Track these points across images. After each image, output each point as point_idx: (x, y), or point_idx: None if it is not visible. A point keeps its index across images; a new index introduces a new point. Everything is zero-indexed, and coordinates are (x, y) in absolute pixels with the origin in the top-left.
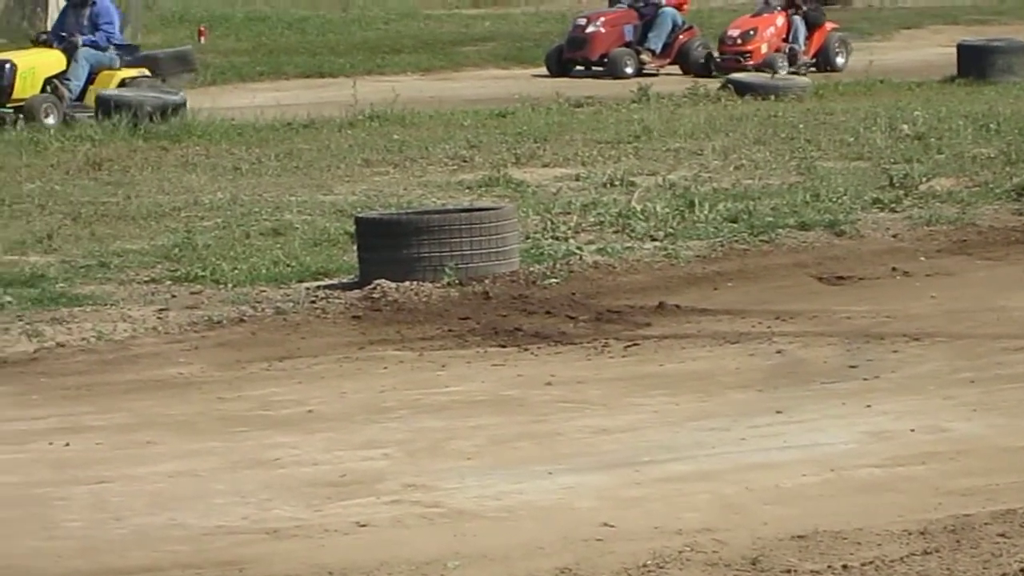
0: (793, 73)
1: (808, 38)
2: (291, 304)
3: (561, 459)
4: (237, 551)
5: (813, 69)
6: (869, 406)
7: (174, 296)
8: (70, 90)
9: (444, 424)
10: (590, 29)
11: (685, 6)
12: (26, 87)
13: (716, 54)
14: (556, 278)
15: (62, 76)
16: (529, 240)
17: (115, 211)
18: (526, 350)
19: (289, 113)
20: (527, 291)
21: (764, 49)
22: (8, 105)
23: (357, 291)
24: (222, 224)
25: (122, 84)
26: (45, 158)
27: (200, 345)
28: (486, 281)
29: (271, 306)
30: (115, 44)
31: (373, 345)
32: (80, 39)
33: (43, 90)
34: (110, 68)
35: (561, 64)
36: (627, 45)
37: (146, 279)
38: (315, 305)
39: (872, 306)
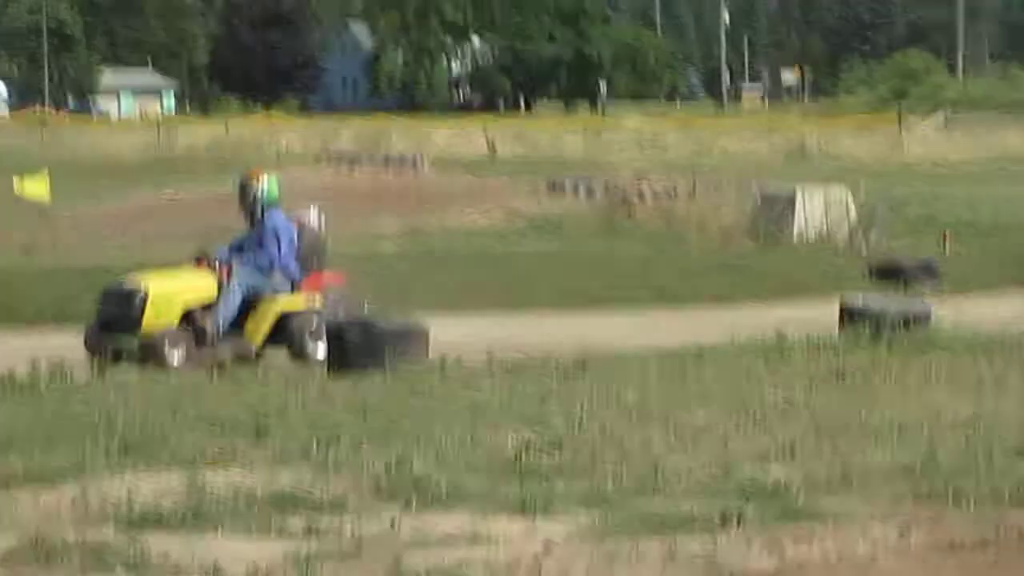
0: None
1: None
2: None
3: None
4: None
5: None
6: None
7: (913, 516)
8: (215, 323)
9: None
10: None
11: None
12: (159, 316)
13: None
14: None
15: (208, 306)
16: None
17: (855, 423)
18: None
19: None
20: None
21: None
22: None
23: None
24: (964, 442)
25: (283, 318)
26: (791, 366)
27: (940, 566)
28: None
29: (1015, 531)
30: (283, 268)
31: None
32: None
33: (182, 321)
34: (272, 295)
35: None
36: None
37: (887, 496)
38: None
39: None
